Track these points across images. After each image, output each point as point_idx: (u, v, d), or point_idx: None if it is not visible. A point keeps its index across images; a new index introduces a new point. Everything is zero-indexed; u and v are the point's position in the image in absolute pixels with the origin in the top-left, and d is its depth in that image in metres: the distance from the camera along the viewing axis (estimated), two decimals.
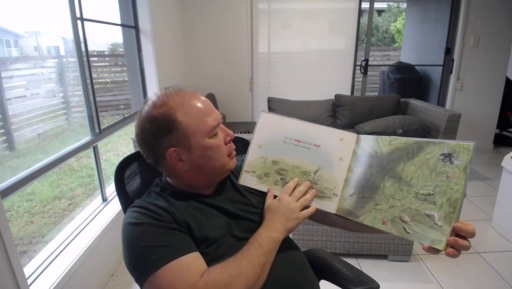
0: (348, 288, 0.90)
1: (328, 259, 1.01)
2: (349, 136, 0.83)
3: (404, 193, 0.70)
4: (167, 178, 0.84)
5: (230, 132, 0.82)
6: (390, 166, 0.74)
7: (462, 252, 0.61)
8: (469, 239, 0.62)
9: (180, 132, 0.74)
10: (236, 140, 1.10)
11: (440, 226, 0.63)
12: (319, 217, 0.92)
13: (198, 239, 0.73)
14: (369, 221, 0.73)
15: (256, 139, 0.88)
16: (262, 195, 0.87)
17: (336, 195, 0.81)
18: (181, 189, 0.81)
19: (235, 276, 0.66)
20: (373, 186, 0.75)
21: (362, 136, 0.82)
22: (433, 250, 0.63)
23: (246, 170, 0.87)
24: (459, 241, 0.60)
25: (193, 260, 0.68)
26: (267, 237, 0.74)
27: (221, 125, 0.80)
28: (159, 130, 0.73)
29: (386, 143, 0.76)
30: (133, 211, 0.74)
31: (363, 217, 0.75)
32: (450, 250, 0.60)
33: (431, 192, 0.66)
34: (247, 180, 0.87)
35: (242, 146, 1.11)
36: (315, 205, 0.82)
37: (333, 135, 0.84)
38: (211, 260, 0.70)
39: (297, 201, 0.79)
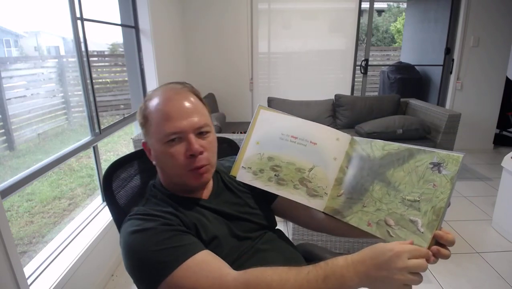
0: None
1: (317, 251, 1.04)
2: (344, 137, 0.84)
3: (391, 198, 0.71)
4: (160, 178, 0.83)
5: (195, 148, 0.72)
6: (381, 170, 0.75)
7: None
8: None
9: (147, 128, 0.76)
10: (223, 141, 1.08)
11: (422, 232, 0.64)
12: (306, 220, 0.93)
13: (205, 240, 0.73)
14: (355, 221, 0.75)
15: (254, 136, 0.88)
16: (256, 194, 0.88)
17: (327, 194, 0.82)
18: (176, 194, 0.80)
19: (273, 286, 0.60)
20: (362, 188, 0.77)
21: (356, 138, 0.84)
22: None
23: (242, 166, 0.88)
24: (441, 250, 0.60)
25: (209, 256, 0.67)
26: (340, 274, 0.59)
27: (190, 136, 0.73)
28: (140, 118, 0.78)
29: (380, 148, 0.78)
30: (135, 219, 0.71)
31: (349, 217, 0.76)
32: (432, 258, 0.59)
33: (417, 198, 0.67)
34: (243, 176, 0.88)
35: (228, 147, 1.09)
36: (306, 203, 0.82)
37: (330, 134, 0.85)
38: None
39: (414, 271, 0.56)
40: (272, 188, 0.84)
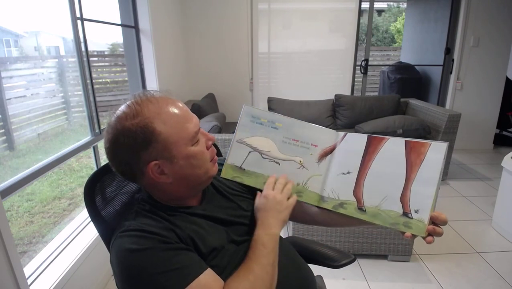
0: (328, 264, 1.01)
1: (306, 243, 1.10)
2: (330, 134, 0.89)
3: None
4: (149, 192, 0.78)
5: (211, 135, 0.78)
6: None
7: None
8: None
9: (160, 144, 0.67)
10: None
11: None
12: (299, 215, 0.94)
13: (205, 253, 0.71)
14: (350, 212, 0.80)
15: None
16: (248, 197, 0.87)
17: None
18: (168, 204, 0.76)
19: (253, 281, 0.68)
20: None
21: (340, 133, 0.88)
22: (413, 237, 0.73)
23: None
24: (436, 229, 0.71)
25: (211, 277, 0.66)
26: (267, 235, 0.75)
27: (201, 130, 0.76)
28: (136, 144, 0.66)
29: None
30: (130, 236, 0.66)
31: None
32: (430, 238, 0.71)
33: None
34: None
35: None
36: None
37: (318, 132, 0.88)
38: (220, 272, 0.69)
39: (282, 192, 0.81)
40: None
